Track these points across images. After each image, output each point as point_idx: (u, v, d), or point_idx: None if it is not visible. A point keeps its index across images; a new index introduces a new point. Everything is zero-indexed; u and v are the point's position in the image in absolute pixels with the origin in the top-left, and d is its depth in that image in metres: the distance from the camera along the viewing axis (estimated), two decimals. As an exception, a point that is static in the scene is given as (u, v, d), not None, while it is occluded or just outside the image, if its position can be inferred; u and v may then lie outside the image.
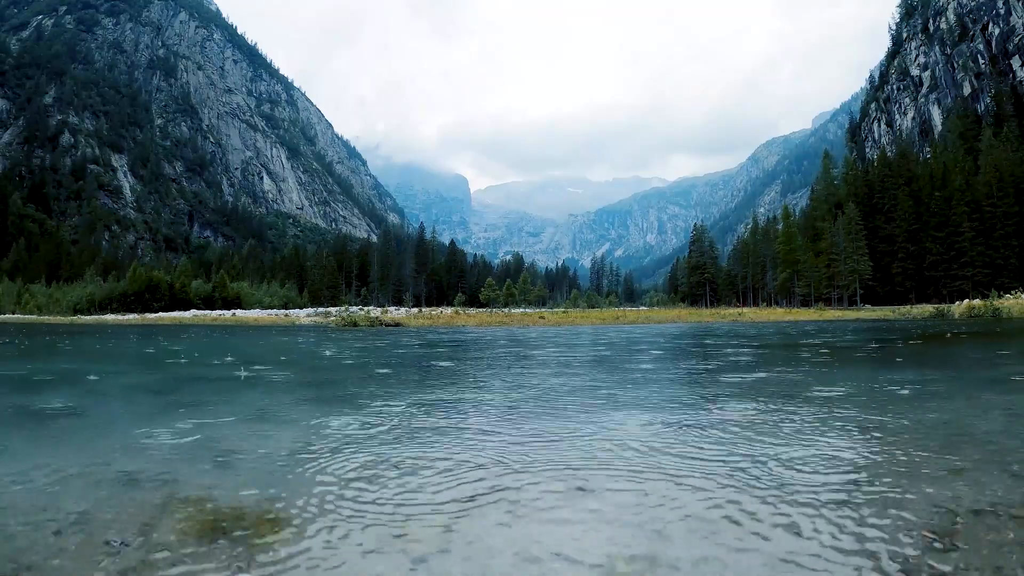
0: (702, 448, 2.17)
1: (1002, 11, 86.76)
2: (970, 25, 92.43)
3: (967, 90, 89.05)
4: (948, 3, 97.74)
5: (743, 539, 1.30)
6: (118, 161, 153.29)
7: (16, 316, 50.96)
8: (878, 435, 2.37)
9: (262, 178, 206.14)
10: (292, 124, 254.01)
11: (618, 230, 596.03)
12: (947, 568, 1.15)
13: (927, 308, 30.16)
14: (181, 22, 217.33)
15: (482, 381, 4.68)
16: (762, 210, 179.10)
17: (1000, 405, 3.09)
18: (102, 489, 1.74)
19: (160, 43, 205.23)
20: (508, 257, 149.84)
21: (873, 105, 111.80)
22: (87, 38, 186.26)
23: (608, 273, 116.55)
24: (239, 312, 44.41)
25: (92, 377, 5.22)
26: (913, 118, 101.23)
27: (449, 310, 41.41)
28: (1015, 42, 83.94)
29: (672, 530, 1.36)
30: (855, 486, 1.69)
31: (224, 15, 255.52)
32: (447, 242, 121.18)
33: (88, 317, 46.41)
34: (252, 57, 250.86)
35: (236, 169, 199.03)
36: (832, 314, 30.62)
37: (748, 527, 1.36)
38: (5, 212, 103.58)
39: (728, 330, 14.88)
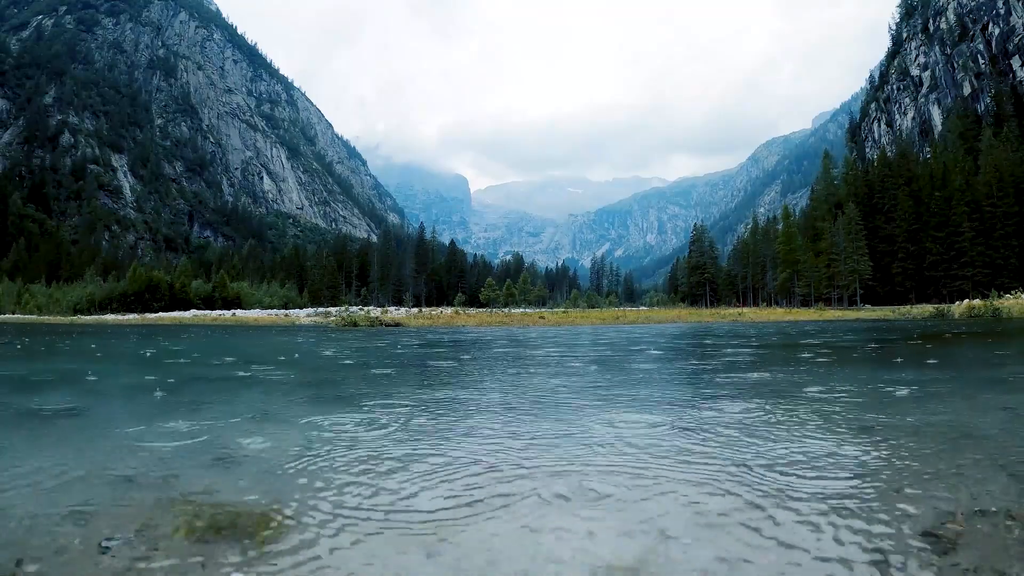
0: (703, 448, 2.17)
1: (1002, 11, 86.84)
2: (970, 25, 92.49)
3: (967, 90, 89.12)
4: (948, 3, 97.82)
5: (746, 540, 1.30)
6: (118, 161, 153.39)
7: (16, 316, 50.97)
8: (878, 435, 2.37)
9: (262, 178, 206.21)
10: (292, 124, 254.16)
11: (618, 230, 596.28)
12: (947, 568, 1.15)
13: (927, 308, 30.17)
14: (181, 22, 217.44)
15: (482, 381, 4.68)
16: (762, 210, 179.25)
17: (1000, 405, 3.09)
18: (102, 489, 1.73)
19: (160, 43, 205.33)
20: (508, 257, 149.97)
21: (873, 105, 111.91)
22: (87, 38, 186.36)
23: (608, 273, 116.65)
24: (239, 312, 44.44)
25: (92, 377, 5.22)
26: (913, 118, 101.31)
27: (449, 310, 41.42)
28: (1015, 42, 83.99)
29: (675, 532, 1.36)
30: (856, 486, 1.69)
31: (224, 15, 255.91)
32: (447, 242, 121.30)
33: (88, 317, 46.42)
34: (252, 57, 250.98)
35: (236, 169, 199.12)
36: (832, 314, 30.63)
37: (751, 528, 1.37)
38: (5, 212, 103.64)
39: (728, 330, 14.87)
